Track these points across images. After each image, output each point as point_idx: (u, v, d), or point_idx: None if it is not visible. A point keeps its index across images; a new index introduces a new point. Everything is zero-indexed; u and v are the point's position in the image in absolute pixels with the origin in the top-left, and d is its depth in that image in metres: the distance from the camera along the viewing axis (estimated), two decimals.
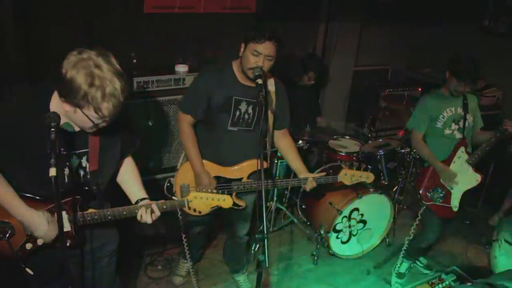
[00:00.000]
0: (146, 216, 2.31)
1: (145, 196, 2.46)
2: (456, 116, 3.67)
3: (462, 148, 3.66)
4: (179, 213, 3.16)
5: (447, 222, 3.82)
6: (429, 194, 3.65)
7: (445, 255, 4.35)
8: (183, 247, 3.29)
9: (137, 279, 3.78)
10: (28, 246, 2.21)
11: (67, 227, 2.22)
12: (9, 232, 2.17)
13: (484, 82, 5.60)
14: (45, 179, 1.76)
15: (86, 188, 2.26)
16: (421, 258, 4.21)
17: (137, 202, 2.42)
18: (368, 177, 3.26)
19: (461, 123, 3.67)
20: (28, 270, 2.21)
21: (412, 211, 4.92)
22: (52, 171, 1.78)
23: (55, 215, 2.09)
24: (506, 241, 2.06)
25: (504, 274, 2.05)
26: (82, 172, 2.25)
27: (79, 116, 1.96)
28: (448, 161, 3.66)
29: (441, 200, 3.64)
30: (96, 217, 2.27)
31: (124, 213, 2.30)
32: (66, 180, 2.19)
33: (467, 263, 4.19)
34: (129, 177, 2.52)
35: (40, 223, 2.13)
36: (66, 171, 2.17)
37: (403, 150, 4.36)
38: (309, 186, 3.12)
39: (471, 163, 3.67)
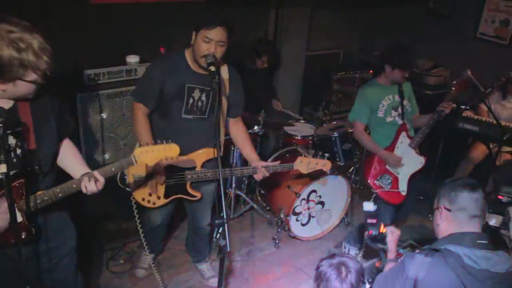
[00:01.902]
0: (90, 186, 2.18)
1: (89, 171, 2.31)
2: (394, 103, 3.81)
3: (404, 133, 3.79)
4: (134, 207, 3.14)
5: (398, 207, 3.94)
6: (377, 182, 3.75)
7: (402, 231, 4.45)
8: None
9: (99, 275, 3.73)
10: None
11: (18, 217, 2.10)
12: None
13: (432, 62, 5.78)
14: None
15: (29, 169, 2.13)
16: None
17: None
18: (325, 164, 3.29)
19: (399, 109, 3.82)
20: None
21: (368, 190, 5.04)
22: (2, 168, 1.74)
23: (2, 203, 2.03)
24: (446, 208, 2.17)
25: (446, 239, 2.16)
26: (20, 152, 2.13)
27: (20, 86, 1.91)
28: (391, 147, 3.78)
29: (389, 186, 3.76)
30: (46, 198, 2.16)
31: (74, 186, 2.19)
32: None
33: (423, 236, 4.34)
34: (68, 156, 2.39)
35: None
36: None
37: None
38: (260, 175, 3.11)
39: (413, 146, 3.80)
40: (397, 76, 3.72)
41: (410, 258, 2.12)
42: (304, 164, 3.22)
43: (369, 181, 3.77)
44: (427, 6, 6.07)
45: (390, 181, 3.77)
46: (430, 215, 2.20)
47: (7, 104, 2.07)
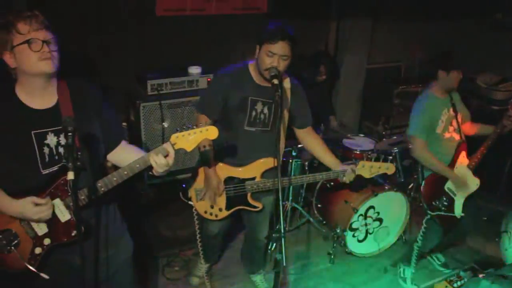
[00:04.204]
0: (159, 158, 2.17)
1: None
2: (450, 117, 3.62)
3: (463, 153, 3.60)
4: (195, 217, 3.19)
5: (449, 230, 3.75)
6: (434, 204, 3.58)
7: (464, 253, 4.31)
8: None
9: (155, 280, 3.80)
10: (38, 250, 2.17)
11: (65, 215, 2.17)
12: (14, 241, 2.14)
13: (499, 76, 5.56)
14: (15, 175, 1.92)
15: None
16: (439, 256, 4.18)
17: None
18: (388, 168, 3.15)
19: (455, 124, 3.63)
20: (43, 275, 2.17)
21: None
22: (70, 175, 1.81)
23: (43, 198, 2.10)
24: None
25: None
26: (62, 150, 2.19)
27: (21, 55, 2.01)
28: (451, 167, 3.59)
29: (445, 209, 3.58)
30: (114, 179, 2.19)
31: (138, 166, 2.20)
32: (47, 159, 2.15)
33: (486, 259, 4.16)
34: (131, 155, 2.37)
35: (27, 206, 2.07)
36: (46, 150, 2.14)
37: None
38: (349, 177, 3.07)
39: (471, 168, 3.61)
40: (453, 80, 3.52)
41: (475, 284, 2.02)
42: (366, 168, 3.11)
43: (425, 202, 3.61)
44: (494, 18, 5.84)
45: (446, 203, 3.59)
46: (496, 239, 2.07)
47: (50, 103, 2.16)
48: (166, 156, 2.20)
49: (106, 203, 2.41)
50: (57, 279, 2.23)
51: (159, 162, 2.18)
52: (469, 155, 3.65)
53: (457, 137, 3.64)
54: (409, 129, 3.65)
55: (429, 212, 3.53)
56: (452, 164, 3.60)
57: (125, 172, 2.20)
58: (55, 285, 2.24)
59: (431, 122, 3.57)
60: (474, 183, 3.66)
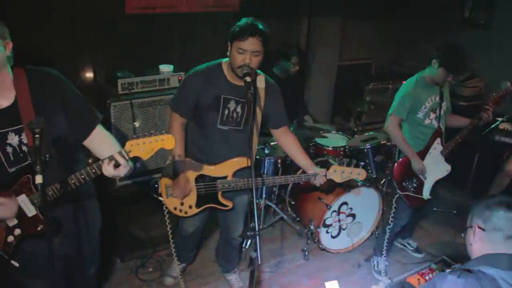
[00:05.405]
0: (109, 169, 2.11)
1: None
2: (434, 105, 3.66)
3: (438, 140, 3.68)
4: (167, 216, 3.17)
5: (417, 210, 3.89)
6: (404, 184, 3.67)
7: (434, 246, 4.39)
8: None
9: (128, 282, 3.75)
10: (10, 239, 2.21)
11: (31, 210, 2.18)
12: None
13: (467, 73, 5.67)
14: None
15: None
16: (411, 242, 4.33)
17: None
18: (359, 173, 3.18)
19: (437, 111, 3.67)
20: (13, 262, 2.22)
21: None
22: (38, 178, 1.78)
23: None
24: (479, 228, 2.08)
25: (479, 259, 2.06)
26: (26, 148, 2.16)
27: None
28: (424, 151, 3.67)
29: (414, 191, 3.67)
30: (72, 182, 2.15)
31: (93, 171, 2.14)
32: (12, 158, 2.14)
33: (456, 252, 4.24)
34: (100, 145, 2.37)
35: None
36: (9, 149, 2.13)
37: (389, 143, 4.39)
38: (319, 181, 3.08)
39: (444, 154, 3.70)
40: (439, 76, 3.53)
41: (442, 278, 2.03)
42: (338, 173, 3.12)
43: (397, 181, 3.68)
44: (462, 15, 5.95)
45: (416, 185, 3.70)
46: (462, 234, 2.10)
47: (7, 100, 2.10)
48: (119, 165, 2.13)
49: (77, 194, 2.39)
50: (31, 264, 2.29)
51: (109, 173, 2.12)
52: (444, 143, 3.73)
53: (436, 124, 3.69)
54: (392, 107, 3.68)
55: (398, 191, 3.65)
56: (425, 149, 3.68)
57: (82, 176, 2.17)
58: (28, 269, 2.31)
59: (413, 105, 3.60)
60: (444, 169, 3.76)
